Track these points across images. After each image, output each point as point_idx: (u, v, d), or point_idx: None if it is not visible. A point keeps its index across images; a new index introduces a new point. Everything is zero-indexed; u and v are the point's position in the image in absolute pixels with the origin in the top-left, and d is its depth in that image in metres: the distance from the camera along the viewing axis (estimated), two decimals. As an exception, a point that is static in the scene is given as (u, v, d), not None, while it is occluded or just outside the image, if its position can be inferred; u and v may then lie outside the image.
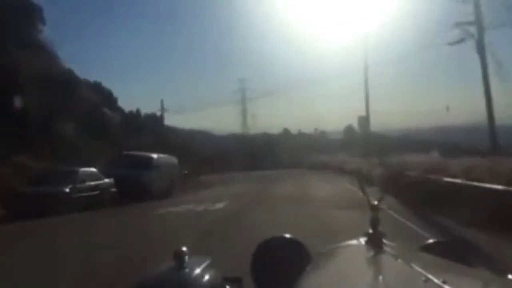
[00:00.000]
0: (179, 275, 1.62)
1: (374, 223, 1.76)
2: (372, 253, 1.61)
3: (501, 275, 1.55)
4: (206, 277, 1.64)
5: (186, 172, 32.76)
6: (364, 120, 33.10)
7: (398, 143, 32.48)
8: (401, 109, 59.70)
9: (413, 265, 1.36)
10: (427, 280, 1.20)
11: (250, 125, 59.27)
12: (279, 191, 19.44)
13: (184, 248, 1.66)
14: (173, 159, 24.08)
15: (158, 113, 42.66)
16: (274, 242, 2.18)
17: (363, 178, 20.61)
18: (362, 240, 1.80)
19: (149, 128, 38.78)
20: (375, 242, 1.68)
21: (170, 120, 49.72)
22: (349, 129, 55.30)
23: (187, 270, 1.63)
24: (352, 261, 1.70)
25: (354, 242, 1.86)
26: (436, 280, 1.18)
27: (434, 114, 41.62)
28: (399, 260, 1.47)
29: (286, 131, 59.88)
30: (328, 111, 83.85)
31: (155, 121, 42.18)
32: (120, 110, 38.77)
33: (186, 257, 1.65)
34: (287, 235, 2.21)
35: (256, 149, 47.86)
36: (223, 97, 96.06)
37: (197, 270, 1.65)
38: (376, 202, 1.81)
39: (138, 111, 44.83)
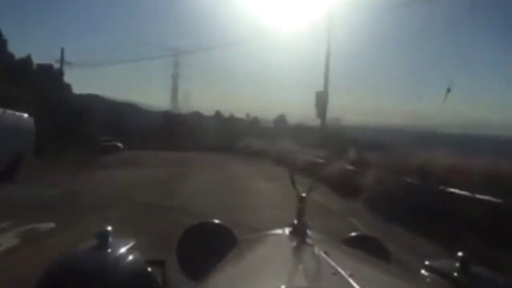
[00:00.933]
0: (100, 254, 1.60)
1: (300, 214, 1.88)
2: (292, 243, 1.73)
3: (413, 271, 1.87)
4: (129, 259, 1.64)
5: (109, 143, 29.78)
6: (323, 95, 30.46)
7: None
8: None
9: (327, 257, 1.47)
10: (336, 272, 1.28)
11: (181, 103, 56.14)
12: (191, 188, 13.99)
13: (109, 228, 1.65)
14: (24, 120, 14.98)
15: (56, 65, 35.67)
16: (201, 227, 2.29)
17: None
18: (287, 230, 1.90)
19: (42, 83, 31.36)
20: (298, 233, 1.81)
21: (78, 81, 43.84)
22: (281, 119, 54.68)
23: (109, 250, 1.62)
24: (272, 249, 1.80)
25: (279, 231, 1.95)
26: (343, 273, 1.26)
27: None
28: (316, 252, 1.56)
29: (218, 114, 57.78)
30: (263, 97, 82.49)
31: (50, 75, 34.75)
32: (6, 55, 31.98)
33: (110, 238, 1.65)
34: (215, 220, 2.32)
35: (185, 129, 45.00)
36: (153, 64, 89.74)
37: (120, 251, 1.64)
38: (304, 194, 1.92)
39: (29, 58, 35.01)
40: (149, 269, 1.76)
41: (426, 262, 1.95)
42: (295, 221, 1.86)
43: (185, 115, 53.53)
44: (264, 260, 1.65)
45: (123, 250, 1.65)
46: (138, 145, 34.46)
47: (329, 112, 31.16)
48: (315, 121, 32.81)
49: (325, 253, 1.51)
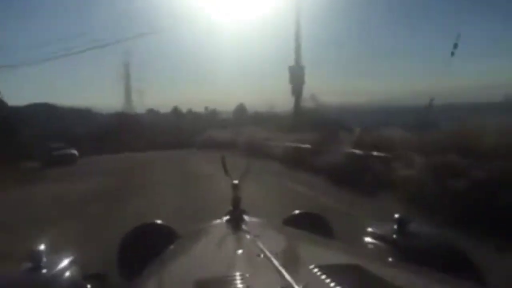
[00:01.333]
0: (34, 276, 1.57)
1: (235, 202, 1.95)
2: (228, 231, 1.81)
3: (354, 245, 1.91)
4: (65, 276, 1.61)
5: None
6: (298, 69, 27.89)
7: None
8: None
9: (258, 241, 1.49)
10: (260, 255, 1.33)
11: (135, 102, 53.83)
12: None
13: (42, 247, 1.63)
14: None
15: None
16: (140, 230, 2.26)
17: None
18: (224, 219, 1.96)
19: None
20: (234, 221, 1.88)
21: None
22: (240, 109, 53.63)
23: (44, 270, 1.59)
24: (207, 239, 1.83)
25: (217, 221, 1.99)
26: (269, 254, 1.30)
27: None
28: (248, 237, 1.62)
29: (175, 110, 55.94)
30: (219, 89, 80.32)
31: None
32: None
33: (43, 257, 1.62)
34: (155, 221, 2.33)
35: (141, 129, 43.04)
36: (100, 64, 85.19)
37: (55, 270, 1.61)
38: (236, 181, 1.97)
39: None
40: (88, 285, 1.76)
41: (368, 229, 2.06)
42: (232, 210, 1.94)
43: (140, 115, 51.48)
44: (198, 251, 1.72)
45: (58, 268, 1.63)
46: (92, 150, 32.30)
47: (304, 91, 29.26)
48: (283, 106, 31.36)
49: (257, 236, 1.57)
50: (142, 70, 61.22)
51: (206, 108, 57.69)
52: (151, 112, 53.94)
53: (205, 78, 75.61)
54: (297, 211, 2.51)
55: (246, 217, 1.92)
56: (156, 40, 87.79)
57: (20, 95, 76.21)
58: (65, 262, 1.70)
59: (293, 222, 2.30)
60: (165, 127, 44.74)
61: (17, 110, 35.13)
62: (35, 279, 1.54)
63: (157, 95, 75.16)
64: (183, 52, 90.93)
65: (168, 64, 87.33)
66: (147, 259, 1.66)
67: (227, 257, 1.47)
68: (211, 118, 52.71)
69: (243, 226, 1.78)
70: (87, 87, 70.31)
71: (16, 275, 1.62)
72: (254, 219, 1.95)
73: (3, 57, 64.81)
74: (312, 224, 2.29)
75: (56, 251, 1.81)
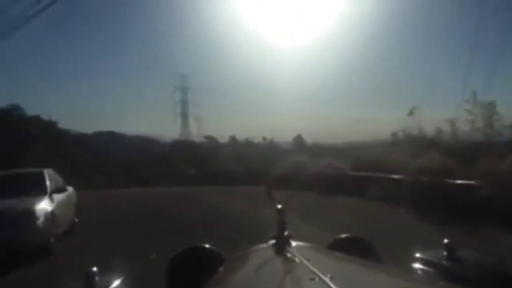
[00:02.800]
0: None
1: (281, 226, 1.98)
2: (275, 255, 1.83)
3: (404, 268, 2.00)
4: None
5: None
6: None
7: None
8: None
9: (308, 264, 1.50)
10: (316, 278, 1.31)
11: (194, 130, 53.72)
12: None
13: (95, 268, 1.73)
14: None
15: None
16: (189, 253, 2.33)
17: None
18: (270, 243, 1.99)
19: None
20: (280, 245, 1.91)
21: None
22: (298, 139, 52.67)
23: None
24: (256, 264, 1.82)
25: (263, 245, 2.03)
26: (323, 277, 1.29)
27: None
28: (298, 260, 1.62)
29: (233, 139, 55.77)
30: (278, 119, 78.58)
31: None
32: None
33: (96, 277, 1.72)
34: (203, 245, 2.37)
35: (201, 158, 42.53)
36: (161, 95, 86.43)
37: None
38: (280, 206, 2.01)
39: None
40: None
41: (417, 255, 2.15)
42: (277, 233, 1.99)
43: (199, 143, 51.14)
44: (248, 275, 1.72)
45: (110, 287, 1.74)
46: (149, 181, 31.94)
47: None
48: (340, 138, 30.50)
49: (307, 259, 1.58)
50: (200, 95, 61.89)
51: (264, 138, 57.00)
52: (210, 140, 53.33)
53: (263, 107, 75.11)
54: (342, 236, 2.51)
55: (292, 242, 1.96)
56: (215, 65, 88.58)
57: (88, 123, 79.44)
58: (116, 282, 1.79)
59: (338, 246, 2.32)
60: (225, 156, 44.07)
61: (84, 137, 36.64)
62: None
63: (215, 123, 74.75)
64: (241, 78, 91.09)
65: (226, 90, 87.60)
66: (194, 283, 1.78)
67: (280, 280, 1.50)
68: (269, 148, 51.93)
69: (291, 250, 1.83)
70: (147, 114, 71.82)
71: None
72: (300, 243, 1.99)
73: (75, 87, 67.87)
74: (358, 248, 2.29)
75: (108, 272, 1.90)
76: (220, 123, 73.68)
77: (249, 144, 56.05)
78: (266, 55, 71.85)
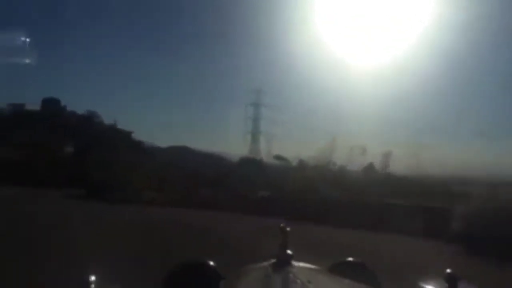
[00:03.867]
0: None
1: (283, 246, 2.01)
2: (277, 274, 1.87)
3: None
4: None
5: None
6: None
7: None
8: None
9: (310, 286, 1.63)
10: None
11: (263, 149, 52.04)
12: None
13: (93, 277, 1.73)
14: None
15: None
16: (185, 267, 2.35)
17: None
18: (271, 262, 2.02)
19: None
20: (282, 264, 1.96)
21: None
22: (370, 168, 50.19)
23: None
24: (256, 282, 1.91)
25: (264, 263, 2.05)
26: None
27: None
28: (299, 281, 1.71)
29: (301, 162, 54.07)
30: (351, 145, 73.96)
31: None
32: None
33: (93, 286, 1.73)
34: (199, 259, 2.41)
35: (271, 180, 40.15)
36: (232, 110, 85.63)
37: None
38: (283, 225, 2.03)
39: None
40: None
41: (420, 284, 2.26)
42: (278, 253, 2.02)
43: (267, 164, 49.35)
44: None
45: None
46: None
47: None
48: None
49: (309, 282, 1.70)
50: (272, 113, 60.21)
51: (333, 164, 54.76)
52: (281, 160, 50.90)
53: (337, 131, 72.03)
54: (340, 260, 2.55)
55: (293, 262, 1.98)
56: (290, 84, 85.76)
57: (162, 137, 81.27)
58: None
59: (338, 269, 2.36)
60: (296, 180, 41.11)
61: (158, 150, 37.13)
62: None
63: (284, 143, 72.44)
64: (316, 99, 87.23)
65: (299, 110, 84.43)
66: None
67: None
68: (339, 174, 49.66)
69: (291, 270, 1.86)
70: (217, 129, 72.14)
71: None
72: (301, 264, 2.01)
73: (150, 99, 69.97)
74: (358, 273, 2.33)
75: (106, 281, 1.86)
76: (290, 144, 71.87)
77: (319, 168, 54.22)
78: (345, 76, 69.55)
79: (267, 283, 1.79)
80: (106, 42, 65.21)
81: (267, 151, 49.99)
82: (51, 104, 44.37)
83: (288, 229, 2.00)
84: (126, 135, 41.90)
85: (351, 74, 64.64)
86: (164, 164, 34.15)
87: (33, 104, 44.94)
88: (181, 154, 39.23)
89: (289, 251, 1.98)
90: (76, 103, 67.53)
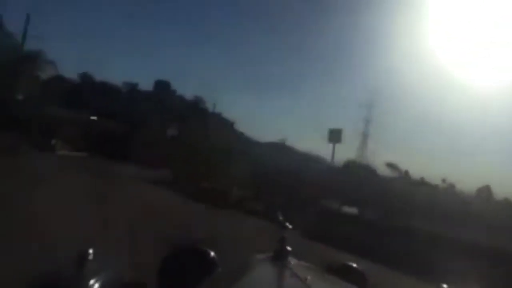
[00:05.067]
0: (76, 274, 1.69)
1: (282, 241, 2.09)
2: (273, 267, 1.95)
3: None
4: (107, 281, 1.73)
5: None
6: None
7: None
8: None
9: (309, 283, 1.65)
10: None
11: (371, 154, 46.34)
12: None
13: (90, 250, 1.77)
14: None
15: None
16: (181, 251, 2.43)
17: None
18: (269, 255, 2.11)
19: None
20: (279, 258, 2.04)
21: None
22: (486, 191, 44.76)
23: (88, 272, 1.72)
24: (254, 273, 1.92)
25: (262, 256, 2.13)
26: None
27: None
28: (296, 277, 1.73)
29: (406, 174, 49.81)
30: (462, 163, 65.43)
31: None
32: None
33: (90, 258, 1.77)
34: (195, 245, 2.47)
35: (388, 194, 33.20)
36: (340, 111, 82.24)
37: (99, 272, 1.75)
38: (282, 218, 2.20)
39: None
40: None
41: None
42: (277, 248, 2.09)
43: (375, 171, 44.83)
44: (243, 284, 1.77)
45: (102, 271, 1.77)
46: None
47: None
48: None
49: (305, 279, 1.73)
50: (384, 118, 54.64)
51: (443, 180, 49.39)
52: (393, 169, 44.42)
53: (448, 146, 65.60)
54: (335, 262, 2.76)
55: (290, 258, 2.05)
56: (405, 91, 78.28)
57: (263, 132, 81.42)
58: (108, 268, 1.83)
59: (334, 270, 2.49)
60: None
61: (258, 145, 36.54)
62: (76, 278, 1.62)
63: (392, 151, 66.49)
64: (430, 110, 79.01)
65: (410, 119, 76.49)
66: (186, 282, 1.98)
67: None
68: (448, 193, 44.63)
69: (290, 266, 1.94)
70: (320, 128, 69.60)
71: (61, 274, 1.72)
72: (298, 261, 2.07)
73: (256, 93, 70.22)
74: (351, 276, 2.45)
75: (101, 256, 1.88)
76: (395, 153, 66.49)
77: (424, 183, 49.49)
78: (462, 91, 63.15)
79: (264, 275, 1.81)
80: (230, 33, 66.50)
81: (372, 157, 45.97)
82: (162, 86, 45.80)
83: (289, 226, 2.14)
84: (230, 124, 41.88)
85: (471, 92, 57.89)
86: (261, 160, 33.10)
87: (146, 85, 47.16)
88: (279, 151, 37.93)
89: (287, 247, 2.05)
90: (186, 87, 70.08)
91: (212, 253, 2.38)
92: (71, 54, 69.00)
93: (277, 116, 71.09)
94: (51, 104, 32.54)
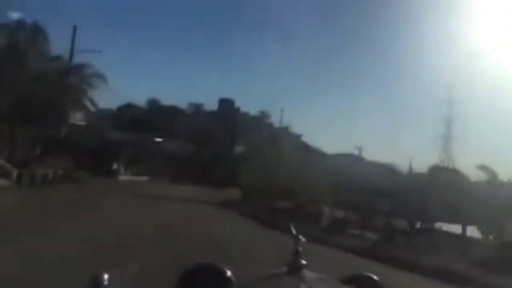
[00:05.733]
0: None
1: (295, 255, 2.00)
2: (289, 282, 1.87)
3: None
4: None
5: None
6: None
7: None
8: None
9: None
10: None
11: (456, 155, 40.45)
12: None
13: (105, 275, 1.62)
14: None
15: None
16: (197, 269, 2.37)
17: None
18: (284, 270, 2.00)
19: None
20: (294, 272, 1.94)
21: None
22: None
23: None
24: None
25: (276, 271, 2.04)
26: None
27: None
28: None
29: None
30: None
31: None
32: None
33: (105, 282, 1.63)
34: (211, 262, 2.40)
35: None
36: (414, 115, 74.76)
37: None
38: (295, 233, 2.05)
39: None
40: None
41: None
42: (292, 261, 2.00)
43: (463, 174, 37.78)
44: None
45: None
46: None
47: None
48: None
49: None
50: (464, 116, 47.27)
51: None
52: (486, 171, 36.77)
53: None
54: (351, 273, 2.52)
55: (305, 271, 1.95)
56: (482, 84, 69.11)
57: (333, 143, 78.05)
58: None
59: (350, 281, 2.32)
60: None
61: (325, 156, 34.49)
62: None
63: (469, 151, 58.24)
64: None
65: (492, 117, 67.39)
66: None
67: None
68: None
69: (305, 280, 1.83)
70: (394, 136, 64.54)
71: None
72: (313, 274, 1.97)
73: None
74: (368, 286, 2.37)
75: (119, 280, 1.77)
76: (479, 154, 59.19)
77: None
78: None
79: None
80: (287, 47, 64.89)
81: (452, 160, 40.09)
82: (226, 104, 45.43)
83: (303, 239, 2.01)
84: (296, 137, 40.21)
85: None
86: (333, 172, 30.62)
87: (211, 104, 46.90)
88: (350, 162, 35.14)
89: (302, 260, 1.97)
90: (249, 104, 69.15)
91: (229, 272, 2.28)
92: (138, 81, 71.60)
93: (347, 125, 67.39)
94: (116, 130, 33.12)
